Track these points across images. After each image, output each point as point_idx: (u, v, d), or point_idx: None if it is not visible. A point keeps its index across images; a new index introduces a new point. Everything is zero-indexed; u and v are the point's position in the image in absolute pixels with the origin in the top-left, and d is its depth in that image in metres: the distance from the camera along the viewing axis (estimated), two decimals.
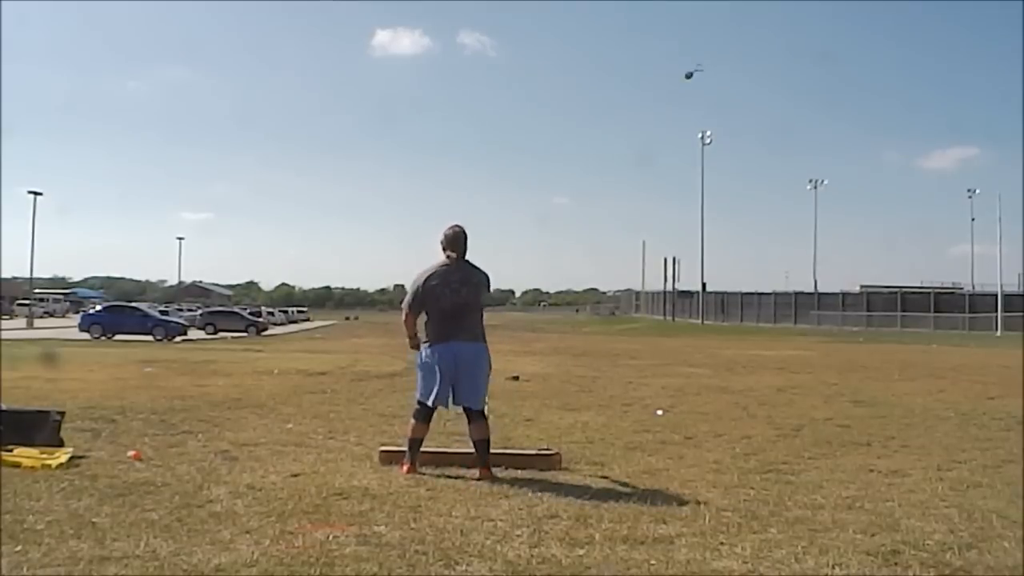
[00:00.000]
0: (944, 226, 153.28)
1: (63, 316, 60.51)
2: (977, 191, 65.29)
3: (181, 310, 54.83)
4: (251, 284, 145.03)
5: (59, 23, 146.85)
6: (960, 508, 4.50)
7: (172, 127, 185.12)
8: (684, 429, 7.54)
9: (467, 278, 5.41)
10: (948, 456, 6.21)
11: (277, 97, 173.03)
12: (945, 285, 63.16)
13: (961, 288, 62.63)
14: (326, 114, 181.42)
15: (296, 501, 4.45)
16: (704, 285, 65.39)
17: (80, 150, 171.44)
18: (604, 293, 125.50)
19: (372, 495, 4.62)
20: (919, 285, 61.92)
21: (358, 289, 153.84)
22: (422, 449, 5.40)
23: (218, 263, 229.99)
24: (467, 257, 5.44)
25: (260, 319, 46.07)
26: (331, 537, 3.74)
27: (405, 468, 5.29)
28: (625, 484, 5.12)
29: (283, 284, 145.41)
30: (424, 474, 5.21)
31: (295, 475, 5.16)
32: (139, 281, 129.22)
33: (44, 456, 5.34)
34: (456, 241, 5.43)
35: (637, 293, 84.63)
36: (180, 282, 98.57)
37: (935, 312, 52.75)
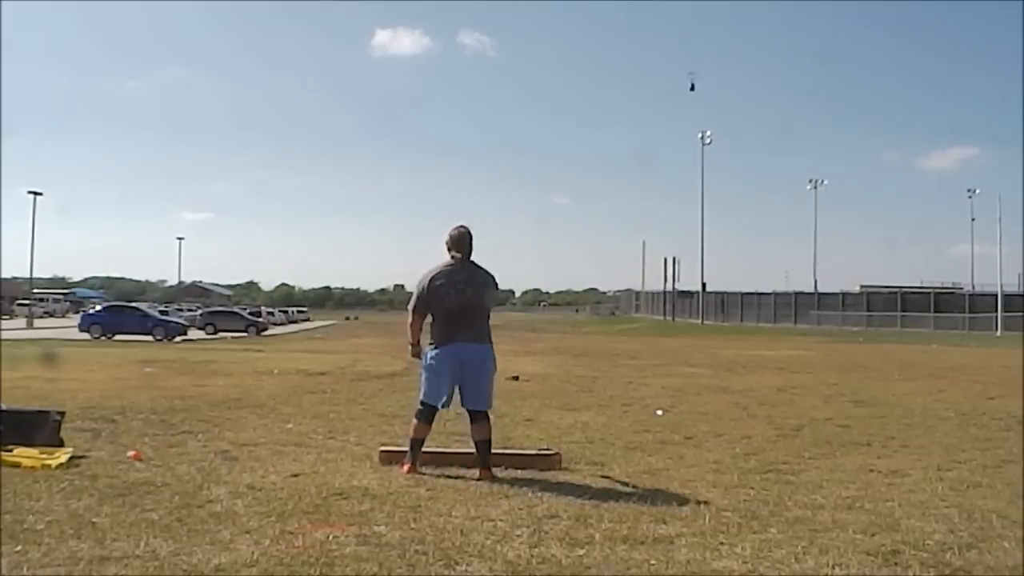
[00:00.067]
0: (944, 226, 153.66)
1: (63, 316, 60.39)
2: (977, 191, 65.45)
3: (181, 310, 54.76)
4: (251, 284, 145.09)
5: (59, 23, 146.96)
6: (960, 508, 4.50)
7: (172, 127, 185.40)
8: (684, 429, 7.54)
9: (472, 278, 5.41)
10: (948, 456, 6.21)
11: (277, 97, 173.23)
12: (945, 285, 63.17)
13: (961, 288, 62.61)
14: (326, 114, 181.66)
15: (296, 501, 4.45)
16: (704, 285, 65.47)
17: (80, 150, 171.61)
18: (604, 293, 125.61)
19: (372, 495, 4.62)
20: (919, 285, 61.92)
21: (358, 289, 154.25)
22: (422, 449, 5.40)
23: (218, 263, 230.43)
24: (472, 258, 5.45)
25: (260, 319, 46.06)
26: (331, 537, 3.74)
27: (405, 468, 5.28)
28: (625, 484, 5.12)
29: (283, 284, 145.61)
30: (424, 474, 5.21)
31: (295, 475, 5.16)
32: (139, 281, 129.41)
33: (44, 456, 5.33)
34: (461, 241, 5.43)
35: (637, 293, 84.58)
36: (180, 282, 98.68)
37: (935, 312, 52.74)
